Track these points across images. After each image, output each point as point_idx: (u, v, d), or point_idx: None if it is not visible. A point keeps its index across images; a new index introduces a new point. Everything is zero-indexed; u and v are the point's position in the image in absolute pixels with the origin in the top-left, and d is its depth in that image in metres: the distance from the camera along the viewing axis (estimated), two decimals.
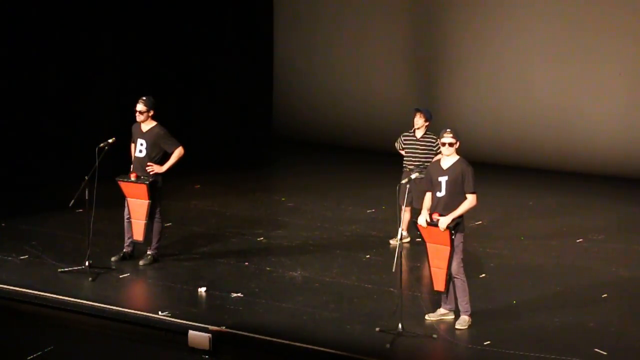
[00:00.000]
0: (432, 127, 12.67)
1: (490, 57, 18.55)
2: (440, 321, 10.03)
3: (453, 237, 9.73)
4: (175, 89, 18.90)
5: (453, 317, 10.07)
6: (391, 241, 12.78)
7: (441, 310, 10.14)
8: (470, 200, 9.84)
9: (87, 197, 11.24)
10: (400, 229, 10.14)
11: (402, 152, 12.72)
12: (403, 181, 10.35)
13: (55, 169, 16.05)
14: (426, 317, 10.12)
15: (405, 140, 12.67)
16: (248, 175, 17.39)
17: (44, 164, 16.33)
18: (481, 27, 18.59)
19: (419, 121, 12.57)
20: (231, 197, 15.52)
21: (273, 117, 20.98)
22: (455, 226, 9.74)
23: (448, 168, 9.94)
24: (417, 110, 12.69)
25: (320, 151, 19.54)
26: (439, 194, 9.90)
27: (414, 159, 12.56)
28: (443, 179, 9.89)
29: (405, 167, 12.60)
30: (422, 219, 9.91)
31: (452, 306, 10.10)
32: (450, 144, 9.93)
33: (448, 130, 10.00)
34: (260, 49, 20.61)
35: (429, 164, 12.31)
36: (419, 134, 12.60)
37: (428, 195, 10.05)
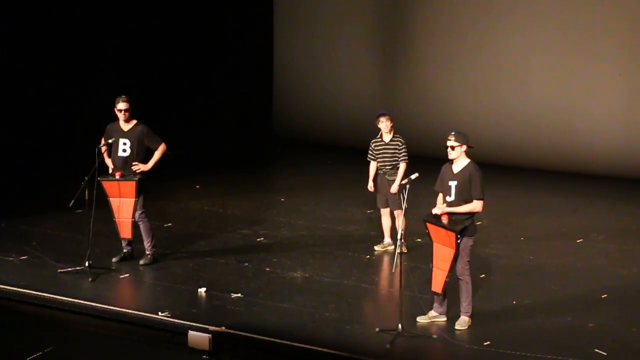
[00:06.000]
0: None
1: (489, 58, 18.54)
2: (431, 324, 10.00)
3: (459, 241, 9.64)
4: (175, 89, 18.91)
5: (445, 320, 10.02)
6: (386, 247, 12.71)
7: (432, 313, 10.08)
8: (475, 204, 9.70)
9: (87, 198, 11.24)
10: (400, 230, 10.12)
11: (373, 163, 12.50)
12: (403, 181, 10.30)
13: (55, 169, 16.05)
14: (417, 319, 10.04)
15: (375, 147, 12.51)
16: (248, 175, 17.39)
17: (44, 164, 16.33)
18: (480, 27, 18.59)
19: (382, 125, 12.39)
20: (231, 197, 15.51)
21: (273, 117, 20.97)
22: (462, 230, 9.64)
23: (457, 172, 9.83)
24: (381, 115, 12.47)
25: (320, 151, 19.53)
26: (448, 199, 9.80)
27: (385, 163, 12.42)
28: (453, 183, 9.79)
29: (380, 170, 12.50)
30: (437, 210, 9.79)
31: (444, 310, 10.05)
32: (452, 147, 9.79)
33: (452, 133, 9.86)
34: (260, 49, 20.61)
35: (394, 166, 12.33)
36: (386, 138, 12.46)
37: (440, 197, 9.97)
